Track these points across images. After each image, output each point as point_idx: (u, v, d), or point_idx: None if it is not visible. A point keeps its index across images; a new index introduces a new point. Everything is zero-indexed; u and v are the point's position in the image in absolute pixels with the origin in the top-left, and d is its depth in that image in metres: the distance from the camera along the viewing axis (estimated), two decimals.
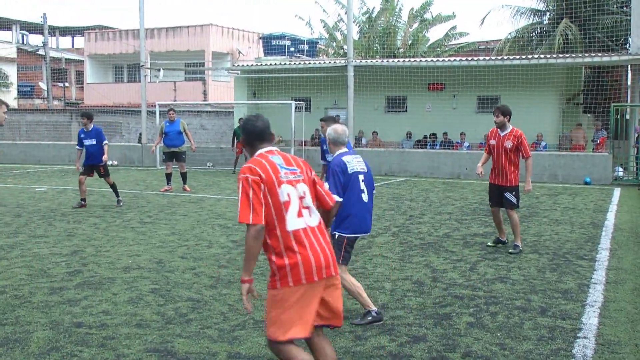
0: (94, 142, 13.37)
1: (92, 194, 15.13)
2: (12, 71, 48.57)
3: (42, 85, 46.32)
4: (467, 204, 14.08)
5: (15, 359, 5.06)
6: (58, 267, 8.03)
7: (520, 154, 9.10)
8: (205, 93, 39.00)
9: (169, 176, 16.37)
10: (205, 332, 5.66)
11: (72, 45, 60.98)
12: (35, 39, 55.77)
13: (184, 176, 16.52)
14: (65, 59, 50.87)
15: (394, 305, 6.52)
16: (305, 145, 23.45)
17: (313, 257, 3.91)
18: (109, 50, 42.64)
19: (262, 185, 3.89)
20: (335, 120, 9.59)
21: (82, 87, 47.10)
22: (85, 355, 5.12)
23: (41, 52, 46.24)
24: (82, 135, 13.43)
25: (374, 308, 5.97)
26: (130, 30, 41.58)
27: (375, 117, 25.74)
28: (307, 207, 4.04)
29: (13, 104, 45.21)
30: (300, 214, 3.97)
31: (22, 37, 55.17)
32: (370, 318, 5.92)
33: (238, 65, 29.00)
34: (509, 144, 9.06)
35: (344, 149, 6.12)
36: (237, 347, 5.32)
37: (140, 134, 26.47)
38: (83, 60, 46.01)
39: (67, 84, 51.25)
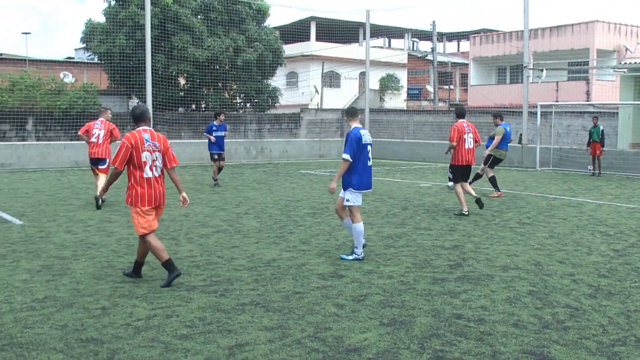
0: (222, 134, 16.32)
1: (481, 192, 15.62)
2: (402, 75, 52.76)
3: (429, 88, 49.27)
4: None
5: (401, 338, 5.55)
6: (440, 259, 8.53)
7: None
8: (588, 93, 37.16)
9: (492, 180, 15.65)
10: (583, 343, 5.47)
11: (458, 50, 63.63)
12: (424, 45, 59.63)
13: None
14: (451, 63, 53.32)
15: None
16: None
17: (153, 192, 7.13)
18: (493, 53, 43.34)
19: (131, 148, 6.99)
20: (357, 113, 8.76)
21: (466, 89, 48.75)
22: (463, 346, 5.37)
23: (429, 57, 49.16)
24: (215, 127, 16.23)
25: None
26: (514, 32, 41.69)
27: None
28: (156, 166, 7.11)
29: (402, 105, 48.94)
30: (151, 169, 7.07)
31: (413, 44, 59.45)
32: None
33: (625, 63, 26.88)
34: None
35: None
36: None
37: (521, 135, 26.37)
38: (467, 63, 47.61)
39: (451, 87, 53.65)
